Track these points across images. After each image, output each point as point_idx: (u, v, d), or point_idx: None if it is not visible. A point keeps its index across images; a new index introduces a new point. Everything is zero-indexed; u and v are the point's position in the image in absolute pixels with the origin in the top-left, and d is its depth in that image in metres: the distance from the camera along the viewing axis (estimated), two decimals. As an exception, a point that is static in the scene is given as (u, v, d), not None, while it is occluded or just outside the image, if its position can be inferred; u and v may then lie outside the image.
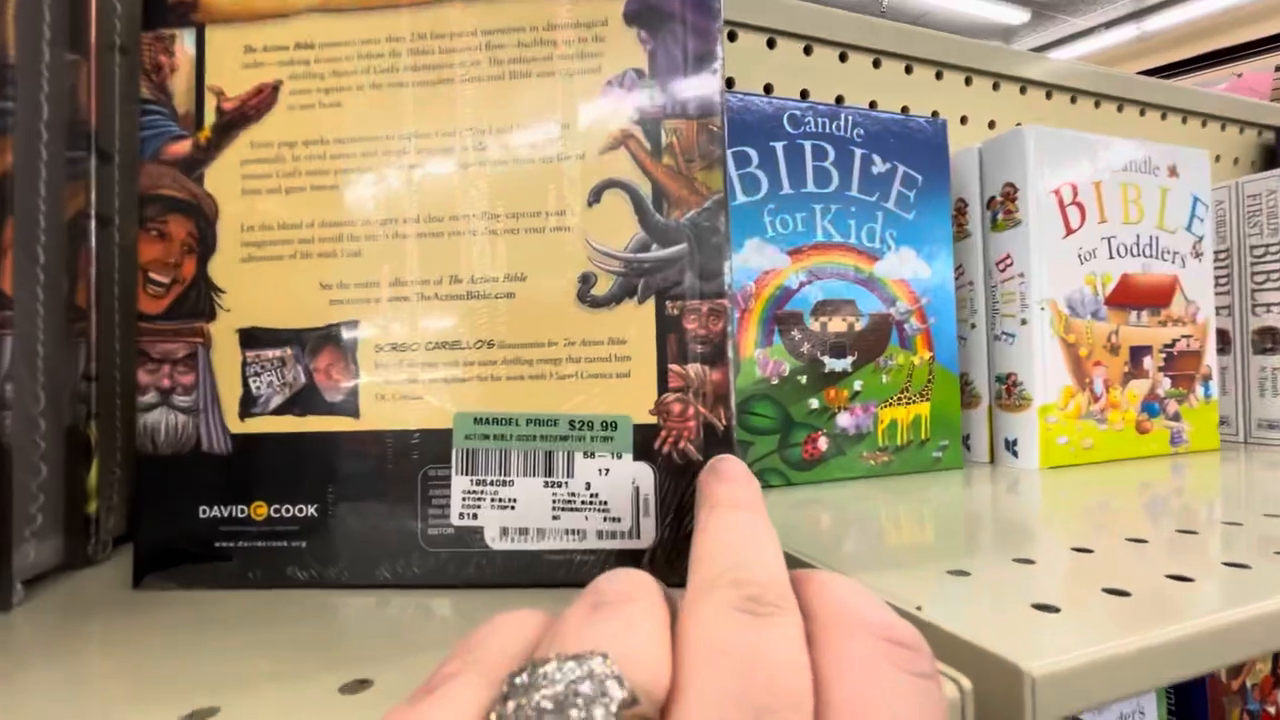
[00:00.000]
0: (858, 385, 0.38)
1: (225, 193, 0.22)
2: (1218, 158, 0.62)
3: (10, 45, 0.20)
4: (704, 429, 0.20)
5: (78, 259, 0.24)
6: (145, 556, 0.21)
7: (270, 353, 0.21)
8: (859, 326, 0.38)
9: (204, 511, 0.21)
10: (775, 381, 0.36)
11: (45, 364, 0.23)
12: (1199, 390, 0.44)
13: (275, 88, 0.22)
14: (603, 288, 0.21)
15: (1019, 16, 4.10)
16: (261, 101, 0.22)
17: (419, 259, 0.21)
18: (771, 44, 0.43)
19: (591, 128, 0.21)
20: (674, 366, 0.20)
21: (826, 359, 0.38)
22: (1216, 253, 0.49)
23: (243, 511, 0.21)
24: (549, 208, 0.21)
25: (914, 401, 0.39)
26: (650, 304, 0.21)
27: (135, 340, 0.22)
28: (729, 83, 0.43)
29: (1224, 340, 0.49)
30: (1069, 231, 0.41)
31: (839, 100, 0.46)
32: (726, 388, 0.20)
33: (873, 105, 0.47)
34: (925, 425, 0.40)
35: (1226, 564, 0.22)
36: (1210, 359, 0.45)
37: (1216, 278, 0.49)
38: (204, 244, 0.22)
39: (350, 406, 0.21)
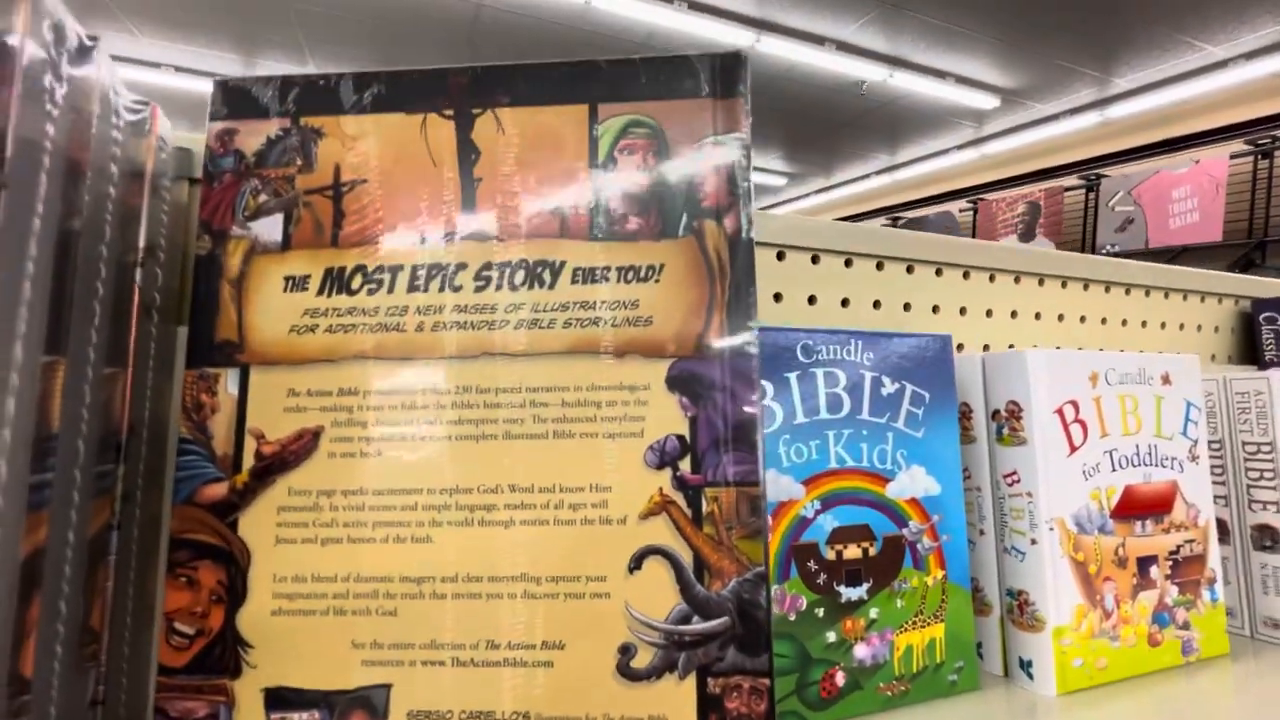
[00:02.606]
0: (874, 613, 0.38)
1: (259, 540, 0.22)
2: (1199, 327, 0.64)
3: (54, 419, 0.20)
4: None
5: (96, 575, 0.24)
6: None
7: (297, 715, 0.21)
8: (873, 551, 0.38)
9: None
10: (793, 618, 0.36)
11: (59, 696, 0.22)
12: (1205, 596, 0.45)
13: (317, 434, 0.22)
14: (643, 660, 0.20)
15: (989, 102, 4.34)
16: (302, 447, 0.22)
17: (455, 621, 0.21)
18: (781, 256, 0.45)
19: (632, 492, 0.21)
20: (716, 750, 0.20)
21: (842, 589, 0.37)
22: (1210, 443, 0.50)
23: None
24: (588, 572, 0.21)
25: (928, 624, 0.39)
26: (691, 680, 0.20)
27: (156, 695, 0.21)
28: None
29: (1223, 530, 0.50)
30: (1073, 449, 0.42)
31: (811, 300, 0.48)
32: (769, 773, 0.20)
33: (845, 303, 0.48)
34: (940, 648, 0.39)
35: None
36: (1214, 561, 0.45)
37: (1212, 467, 0.50)
38: (234, 593, 0.21)
39: (378, 779, 0.20)
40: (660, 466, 0.21)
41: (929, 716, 0.37)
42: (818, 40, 3.62)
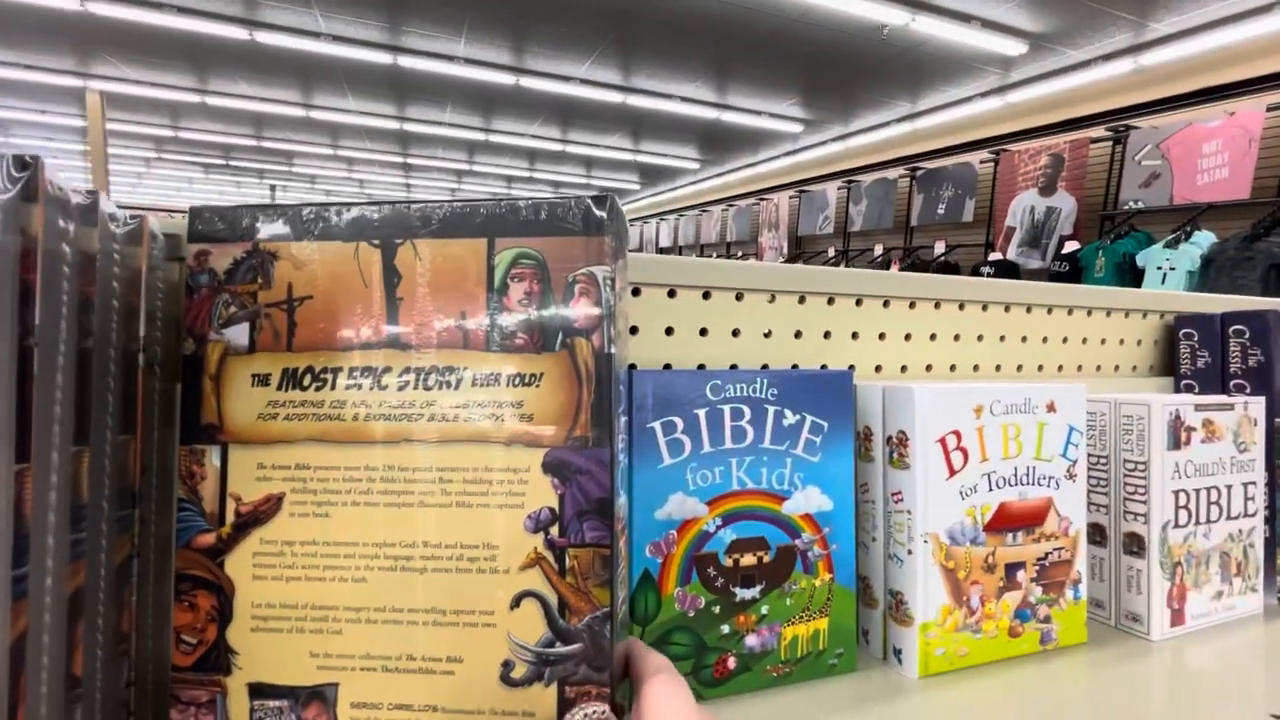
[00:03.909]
0: (765, 610, 0.45)
1: (240, 577, 0.29)
2: (1121, 340, 0.69)
3: (84, 492, 0.27)
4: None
5: (123, 593, 0.32)
6: None
7: (272, 703, 0.29)
8: (767, 559, 0.45)
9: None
10: (692, 614, 0.44)
11: (104, 680, 0.30)
12: (1069, 594, 0.52)
13: (280, 499, 0.29)
14: (519, 672, 0.28)
15: (1017, 48, 4.14)
16: (270, 508, 0.29)
17: (385, 639, 0.28)
18: (672, 294, 0.50)
19: (514, 550, 0.28)
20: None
21: (737, 590, 0.45)
22: (1097, 458, 0.56)
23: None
24: (481, 608, 0.28)
25: (814, 618, 0.47)
26: (554, 688, 0.28)
27: (170, 686, 0.29)
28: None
29: (1101, 534, 0.56)
30: (952, 473, 0.48)
31: (767, 334, 0.53)
32: (607, 754, 0.27)
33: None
34: (823, 637, 0.47)
35: None
36: (1081, 564, 0.52)
37: (1096, 479, 0.56)
38: (223, 615, 0.29)
39: (331, 748, 0.28)
40: (536, 531, 0.28)
41: (808, 693, 0.45)
42: (835, -17, 3.46)
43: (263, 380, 0.29)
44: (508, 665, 0.28)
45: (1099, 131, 4.30)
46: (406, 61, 4.46)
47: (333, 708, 0.28)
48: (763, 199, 7.04)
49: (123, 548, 0.31)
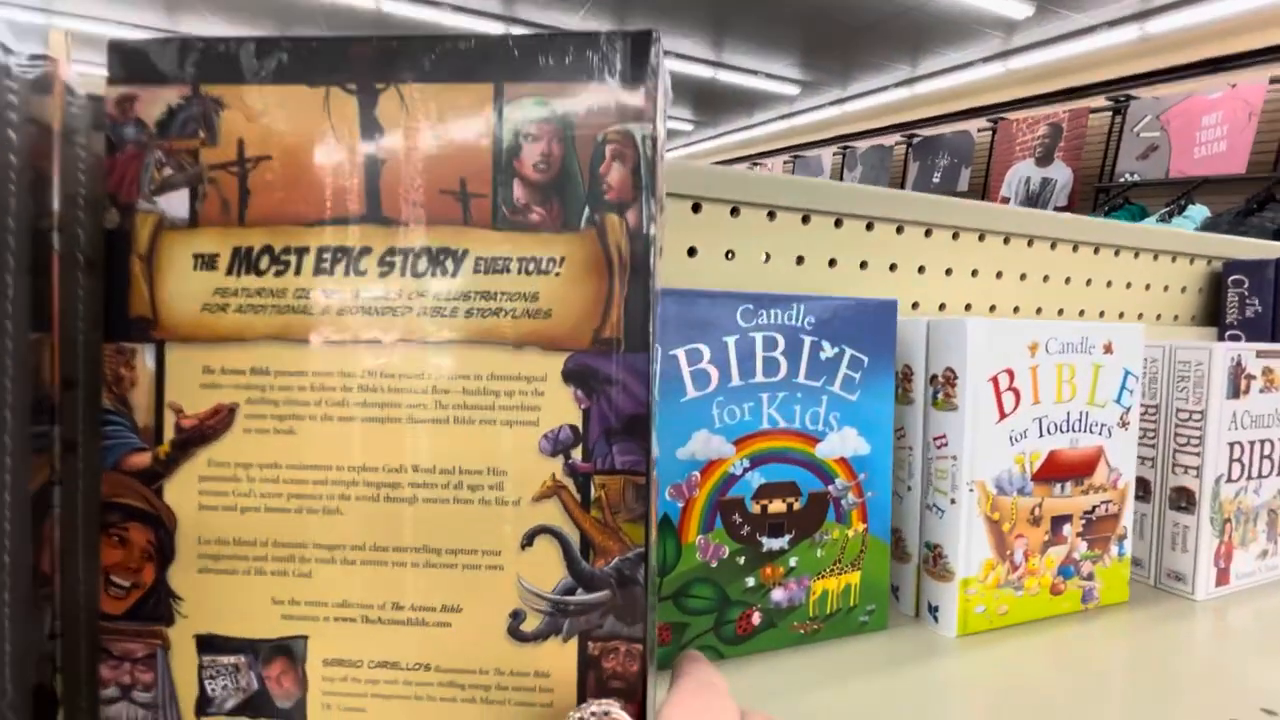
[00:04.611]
0: (793, 561, 0.41)
1: (183, 506, 0.23)
2: (1165, 287, 0.64)
3: (-26, 395, 0.21)
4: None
5: (42, 527, 0.26)
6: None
7: (225, 659, 0.23)
8: (798, 506, 0.41)
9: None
10: (714, 564, 0.39)
11: (13, 631, 0.24)
12: (1113, 550, 0.48)
13: (232, 410, 0.23)
14: (531, 625, 0.23)
15: (1023, 10, 4.03)
16: (219, 422, 0.23)
17: (364, 584, 0.23)
18: (735, 212, 0.44)
19: (526, 477, 0.23)
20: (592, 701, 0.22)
21: (764, 539, 0.40)
22: (1146, 408, 0.52)
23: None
24: (485, 546, 0.23)
25: (845, 571, 0.42)
26: (573, 643, 0.23)
27: (98, 637, 0.24)
28: (691, 251, 0.44)
29: (1145, 489, 0.52)
30: (1002, 416, 0.43)
31: (799, 260, 0.47)
32: (639, 721, 0.23)
33: (800, 261, 0.48)
34: (855, 592, 0.43)
35: None
36: (1127, 519, 0.48)
37: (1144, 430, 0.52)
38: (163, 553, 0.23)
39: (299, 714, 0.23)
40: (554, 454, 0.23)
41: (836, 652, 0.41)
42: (840, -66, 3.32)
43: (208, 262, 0.23)
44: (517, 616, 0.23)
45: (1099, 101, 4.23)
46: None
47: (301, 665, 0.23)
48: (756, 164, 6.90)
49: (39, 472, 0.25)
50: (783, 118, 6.51)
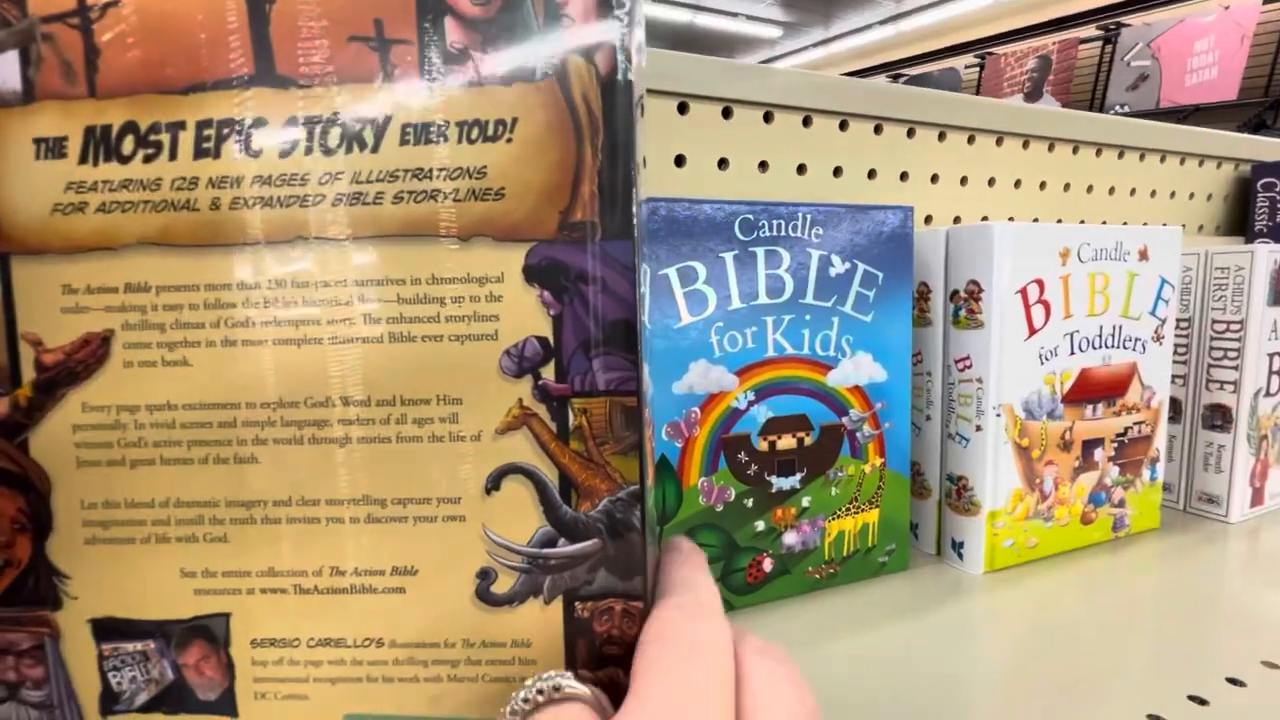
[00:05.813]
0: (806, 501, 0.37)
1: (57, 464, 0.19)
2: (1191, 194, 0.59)
3: None
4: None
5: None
6: None
7: (130, 646, 0.19)
8: (809, 441, 0.37)
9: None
10: (720, 509, 0.35)
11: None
12: (1145, 474, 0.44)
13: (106, 339, 0.18)
14: (504, 585, 0.18)
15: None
16: (91, 355, 0.18)
17: (293, 547, 0.19)
18: (728, 114, 0.39)
19: (487, 405, 0.18)
20: (584, 673, 0.18)
21: (774, 479, 0.36)
22: (1179, 321, 0.48)
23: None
24: (440, 494, 0.18)
25: (862, 510, 0.38)
26: (558, 604, 0.18)
27: (-29, 628, 0.19)
28: (679, 160, 0.39)
29: (1176, 409, 0.49)
30: (1031, 332, 0.39)
31: (800, 170, 0.42)
32: (642, 693, 0.19)
33: (801, 170, 0.42)
34: (873, 532, 0.39)
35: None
36: (1160, 441, 0.45)
37: (1176, 347, 0.48)
38: (38, 522, 0.19)
39: (227, 705, 0.19)
40: (519, 374, 0.18)
41: (854, 596, 0.38)
42: None
43: (54, 149, 0.18)
44: (486, 576, 0.18)
45: (1089, 31, 4.11)
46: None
47: (224, 648, 0.19)
48: (739, 113, 6.71)
49: (-117, 433, 0.20)
50: (764, 62, 6.30)
